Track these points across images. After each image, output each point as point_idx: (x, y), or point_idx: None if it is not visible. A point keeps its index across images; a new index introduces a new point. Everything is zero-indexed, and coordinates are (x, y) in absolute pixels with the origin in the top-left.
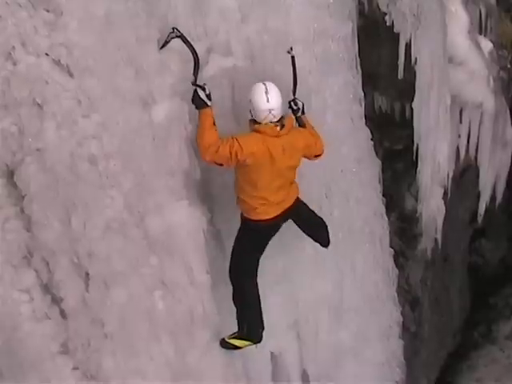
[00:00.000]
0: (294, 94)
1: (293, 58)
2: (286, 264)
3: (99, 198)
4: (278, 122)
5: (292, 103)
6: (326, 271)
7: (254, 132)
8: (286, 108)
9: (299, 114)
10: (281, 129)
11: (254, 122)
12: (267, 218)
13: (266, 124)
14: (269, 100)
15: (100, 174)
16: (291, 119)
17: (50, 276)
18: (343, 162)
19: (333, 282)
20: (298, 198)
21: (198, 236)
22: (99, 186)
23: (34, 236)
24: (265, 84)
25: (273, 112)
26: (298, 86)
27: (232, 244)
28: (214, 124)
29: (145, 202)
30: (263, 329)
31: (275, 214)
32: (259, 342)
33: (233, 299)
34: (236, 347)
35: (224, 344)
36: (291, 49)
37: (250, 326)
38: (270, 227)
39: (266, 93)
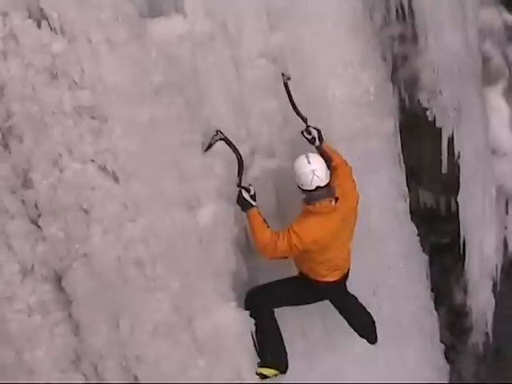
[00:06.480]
0: (306, 122)
1: (286, 84)
2: (335, 362)
3: (147, 301)
4: (330, 197)
5: (305, 133)
6: (376, 369)
7: (310, 215)
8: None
9: (317, 143)
10: (335, 202)
11: (307, 202)
12: (335, 279)
13: (320, 204)
14: (310, 162)
15: (147, 277)
16: (339, 183)
17: (99, 380)
18: (390, 259)
19: (383, 379)
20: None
21: (247, 337)
22: (146, 290)
23: (82, 340)
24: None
25: (316, 173)
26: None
27: None
28: (265, 221)
29: (192, 304)
30: (286, 354)
31: (340, 276)
32: (285, 371)
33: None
34: (265, 376)
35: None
36: (282, 75)
37: (273, 353)
38: (333, 290)
39: (307, 157)
